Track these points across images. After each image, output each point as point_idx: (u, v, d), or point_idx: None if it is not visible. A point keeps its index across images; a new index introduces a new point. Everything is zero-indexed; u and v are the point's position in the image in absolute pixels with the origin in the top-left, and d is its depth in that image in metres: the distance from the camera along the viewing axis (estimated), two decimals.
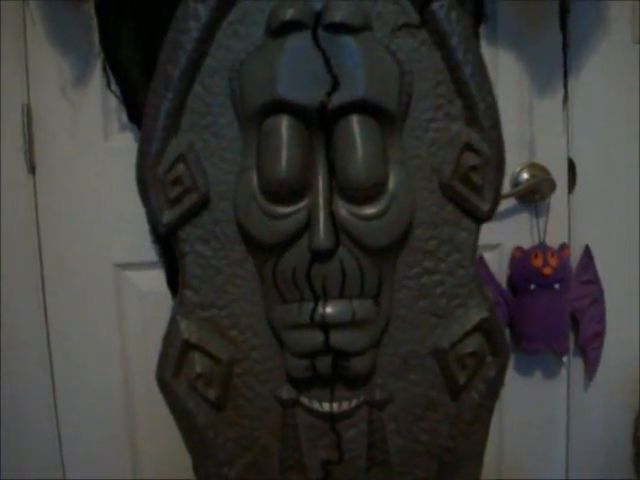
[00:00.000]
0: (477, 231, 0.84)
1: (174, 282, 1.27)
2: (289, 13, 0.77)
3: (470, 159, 0.82)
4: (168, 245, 1.23)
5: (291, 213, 0.79)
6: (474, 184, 0.82)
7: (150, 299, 1.38)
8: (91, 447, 1.41)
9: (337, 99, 0.77)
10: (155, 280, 1.34)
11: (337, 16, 0.76)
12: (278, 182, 0.78)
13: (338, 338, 0.80)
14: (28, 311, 1.37)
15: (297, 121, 0.77)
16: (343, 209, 0.79)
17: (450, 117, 0.81)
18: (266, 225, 0.80)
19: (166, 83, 0.80)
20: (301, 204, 0.79)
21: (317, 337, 0.81)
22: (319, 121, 0.78)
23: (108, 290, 1.39)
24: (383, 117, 0.79)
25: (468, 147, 0.81)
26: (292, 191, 0.79)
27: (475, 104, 0.80)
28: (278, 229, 0.80)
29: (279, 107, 0.78)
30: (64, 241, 1.36)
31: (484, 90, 0.80)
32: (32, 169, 1.34)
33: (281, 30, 0.77)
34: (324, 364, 0.81)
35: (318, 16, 0.78)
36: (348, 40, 0.77)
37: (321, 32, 0.77)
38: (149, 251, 1.33)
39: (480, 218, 0.84)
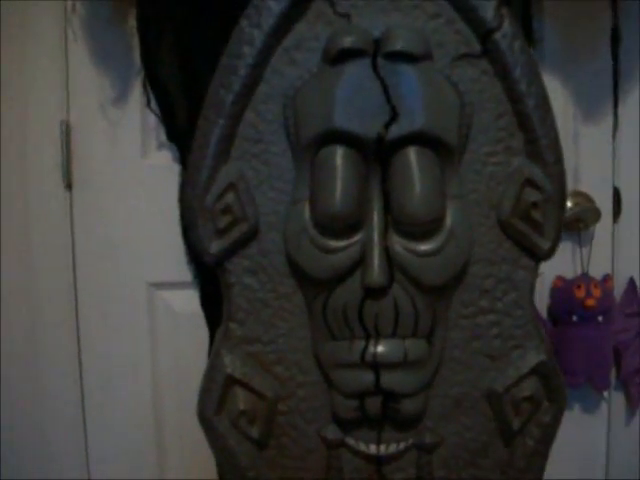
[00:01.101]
0: (536, 270, 0.82)
1: (207, 304, 1.27)
2: (348, 41, 0.75)
3: (531, 195, 0.79)
4: (204, 267, 1.23)
5: (344, 247, 0.77)
6: (534, 221, 0.79)
7: (183, 319, 1.37)
8: (120, 468, 1.40)
9: (395, 131, 0.74)
10: (189, 301, 1.33)
11: (397, 44, 0.74)
12: (332, 215, 0.75)
13: (389, 379, 0.78)
14: (61, 328, 1.36)
15: (353, 152, 0.75)
16: (398, 245, 0.76)
17: (511, 151, 0.79)
18: (317, 259, 0.77)
19: (218, 109, 0.78)
20: (355, 238, 0.77)
21: (367, 377, 0.78)
22: (376, 153, 0.75)
23: (141, 309, 1.38)
24: (442, 150, 0.77)
25: (529, 183, 0.79)
26: (346, 225, 0.76)
27: (537, 138, 0.78)
28: (330, 264, 0.77)
29: (335, 137, 0.75)
30: (98, 258, 1.36)
31: (547, 124, 0.78)
32: (69, 186, 1.34)
33: (339, 58, 0.75)
34: (373, 405, 0.79)
35: (377, 44, 0.76)
36: (408, 69, 0.74)
37: (380, 60, 0.75)
38: (184, 271, 1.32)
39: (540, 256, 0.81)
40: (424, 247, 0.76)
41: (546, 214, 0.79)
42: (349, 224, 0.76)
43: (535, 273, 0.82)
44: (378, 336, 0.78)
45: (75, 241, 1.35)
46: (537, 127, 0.78)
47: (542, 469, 0.83)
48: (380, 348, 0.77)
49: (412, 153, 0.74)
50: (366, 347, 0.78)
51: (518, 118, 0.78)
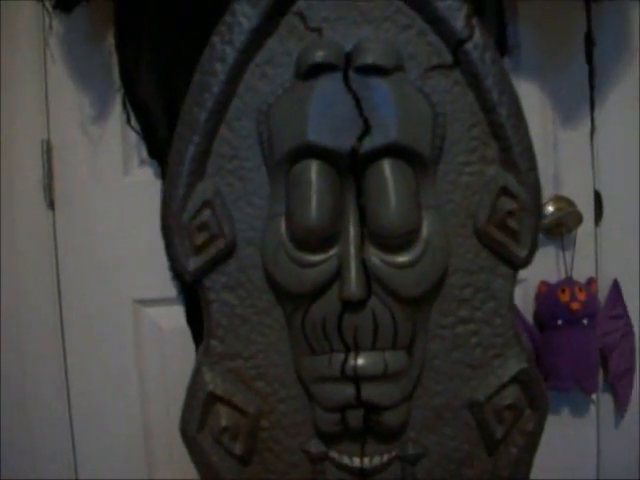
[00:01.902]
0: (514, 278, 0.82)
1: (193, 320, 1.27)
2: (319, 55, 0.75)
3: (506, 204, 0.79)
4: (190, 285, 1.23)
5: (321, 261, 0.77)
6: (511, 230, 0.80)
7: (169, 336, 1.37)
8: None
9: (369, 143, 0.74)
10: (175, 317, 1.33)
11: (368, 58, 0.75)
12: (307, 229, 0.75)
13: (370, 392, 0.78)
14: (46, 346, 1.37)
15: (327, 166, 0.75)
16: (375, 257, 0.76)
17: (485, 160, 0.79)
18: (295, 274, 0.77)
19: (192, 126, 0.78)
20: (331, 252, 0.77)
21: (348, 390, 0.78)
22: (350, 166, 0.75)
23: (127, 326, 1.38)
24: (416, 161, 0.77)
25: (504, 191, 0.79)
26: (322, 238, 0.76)
27: (511, 146, 0.78)
28: (307, 278, 0.77)
29: (309, 152, 0.75)
30: (83, 276, 1.36)
31: (520, 132, 0.78)
32: (51, 204, 1.34)
33: (311, 72, 0.76)
34: (355, 418, 0.78)
35: (348, 58, 0.76)
36: (379, 82, 0.75)
37: (352, 74, 0.75)
38: (169, 287, 1.32)
39: (517, 264, 0.81)
40: (401, 259, 0.76)
41: (522, 222, 0.80)
42: (325, 238, 0.76)
43: (513, 281, 0.82)
44: (357, 349, 0.78)
45: (59, 259, 1.35)
46: (510, 136, 0.78)
47: (527, 477, 0.83)
48: (360, 361, 0.77)
49: (386, 165, 0.75)
50: (346, 360, 0.78)
51: (491, 127, 0.79)
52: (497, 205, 0.79)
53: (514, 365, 0.81)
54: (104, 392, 1.38)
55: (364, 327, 0.77)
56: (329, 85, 0.75)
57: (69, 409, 1.38)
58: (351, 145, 0.74)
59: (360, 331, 0.77)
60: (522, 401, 0.82)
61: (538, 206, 0.80)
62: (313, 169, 0.75)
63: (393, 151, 0.75)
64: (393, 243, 0.76)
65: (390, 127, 0.75)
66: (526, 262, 0.81)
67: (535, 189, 0.80)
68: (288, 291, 0.79)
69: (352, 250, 0.74)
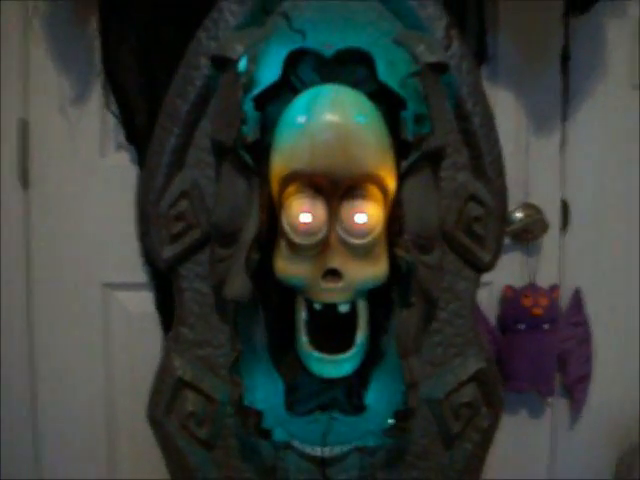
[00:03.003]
0: (477, 281, 0.84)
1: (163, 306, 1.27)
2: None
3: (474, 210, 0.82)
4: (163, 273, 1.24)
5: (225, 257, 0.79)
6: (476, 235, 0.82)
7: (138, 320, 1.37)
8: (72, 470, 1.39)
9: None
10: (144, 301, 1.34)
11: None
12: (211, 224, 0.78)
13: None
14: (14, 327, 1.36)
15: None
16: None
17: (456, 166, 0.82)
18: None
19: (174, 118, 0.79)
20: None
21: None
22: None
23: (96, 309, 1.38)
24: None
25: (472, 198, 0.82)
26: (223, 235, 0.79)
27: (481, 155, 0.81)
28: (215, 271, 0.80)
29: None
30: (54, 258, 1.35)
31: (491, 141, 0.81)
32: (26, 184, 1.33)
33: None
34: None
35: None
36: None
37: None
38: (139, 272, 1.32)
39: (481, 268, 0.84)
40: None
41: (488, 228, 0.82)
42: (225, 234, 0.78)
43: (476, 284, 0.84)
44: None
45: (30, 240, 1.35)
46: (482, 144, 0.81)
47: (480, 471, 0.86)
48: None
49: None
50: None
51: (464, 135, 0.81)
52: (465, 211, 0.82)
53: (473, 364, 0.84)
54: (70, 374, 1.38)
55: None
56: None
57: (34, 390, 1.38)
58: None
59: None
60: (479, 399, 0.84)
61: (504, 213, 0.83)
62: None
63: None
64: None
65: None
66: (490, 266, 0.83)
67: (502, 196, 0.82)
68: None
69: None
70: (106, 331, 1.38)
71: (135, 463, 1.40)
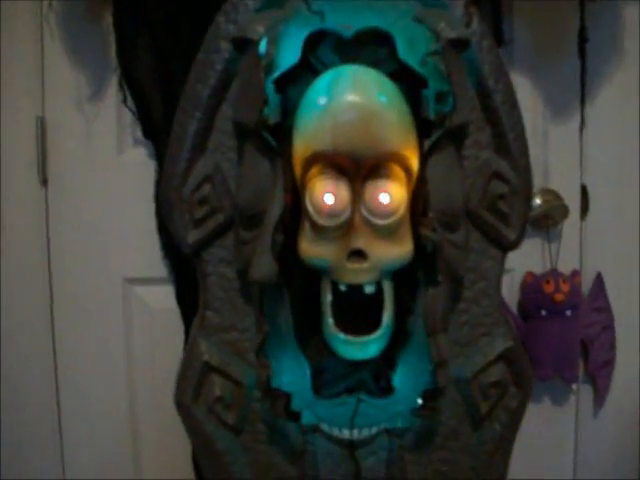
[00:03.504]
0: (503, 260, 0.84)
1: (183, 299, 1.28)
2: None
3: (498, 187, 0.82)
4: (179, 262, 1.24)
5: (250, 239, 0.79)
6: (501, 212, 0.82)
7: (158, 315, 1.39)
8: (94, 462, 1.40)
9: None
10: (164, 296, 1.34)
11: None
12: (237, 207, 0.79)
13: None
14: (35, 324, 1.37)
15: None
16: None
17: (479, 145, 0.81)
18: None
19: (195, 103, 0.80)
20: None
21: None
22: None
23: (117, 305, 1.39)
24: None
25: (496, 175, 0.81)
26: (246, 217, 0.79)
27: (504, 132, 0.80)
28: (240, 255, 0.80)
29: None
30: (74, 254, 1.37)
31: (513, 119, 0.80)
32: (44, 182, 1.35)
33: None
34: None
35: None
36: None
37: None
38: (159, 267, 1.33)
39: (506, 247, 0.83)
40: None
41: (512, 206, 0.82)
42: (249, 216, 0.78)
43: (502, 263, 0.84)
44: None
45: (50, 237, 1.36)
46: (504, 122, 0.80)
47: (509, 452, 0.85)
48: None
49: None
50: None
51: (486, 113, 0.81)
52: (489, 188, 0.82)
53: (500, 344, 0.84)
54: (92, 370, 1.39)
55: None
56: None
57: (57, 387, 1.39)
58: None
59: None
60: (507, 379, 0.84)
61: (529, 191, 0.82)
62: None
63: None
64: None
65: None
66: (515, 245, 0.83)
67: (526, 174, 0.82)
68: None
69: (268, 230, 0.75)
70: (127, 326, 1.39)
71: (158, 456, 1.41)
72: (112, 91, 1.32)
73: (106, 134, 1.35)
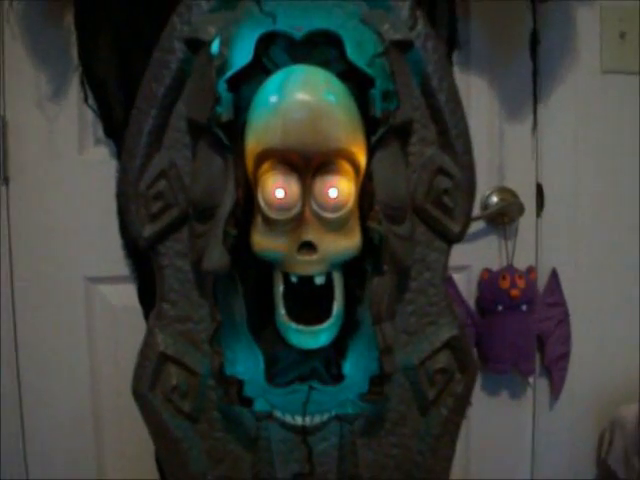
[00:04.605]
0: (448, 251, 0.87)
1: (145, 297, 1.28)
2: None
3: (442, 182, 0.84)
4: (141, 261, 1.25)
5: (202, 233, 0.81)
6: (446, 206, 0.84)
7: (121, 313, 1.40)
8: (58, 460, 1.40)
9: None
10: (126, 294, 1.36)
11: None
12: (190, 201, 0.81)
13: None
14: None
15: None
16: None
17: (424, 141, 0.84)
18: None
19: (150, 101, 0.81)
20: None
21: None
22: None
23: (79, 303, 1.39)
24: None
25: (441, 171, 0.84)
26: (200, 210, 0.81)
27: (448, 129, 0.83)
28: (193, 248, 0.82)
29: None
30: (36, 253, 1.37)
31: (457, 116, 0.83)
32: (5, 180, 1.34)
33: None
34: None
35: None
36: None
37: None
38: (121, 265, 1.33)
39: (451, 239, 0.86)
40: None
41: (456, 200, 0.85)
42: (202, 210, 0.80)
43: (447, 254, 0.87)
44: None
45: (11, 235, 1.36)
46: (448, 119, 0.83)
47: (456, 436, 0.88)
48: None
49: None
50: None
51: (431, 111, 0.83)
52: (434, 183, 0.84)
53: (446, 332, 0.86)
54: (55, 368, 1.39)
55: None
56: None
57: (19, 386, 1.39)
58: None
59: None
60: (453, 365, 0.86)
61: (472, 186, 0.85)
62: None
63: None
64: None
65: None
66: (459, 237, 0.86)
67: (469, 170, 0.85)
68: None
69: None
70: (89, 324, 1.40)
71: (122, 454, 1.41)
72: (73, 90, 1.33)
73: (67, 133, 1.35)
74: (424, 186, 0.84)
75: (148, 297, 1.28)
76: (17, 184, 1.35)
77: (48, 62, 1.33)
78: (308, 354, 0.83)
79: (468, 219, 0.85)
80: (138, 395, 0.84)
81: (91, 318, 1.40)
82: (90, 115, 1.32)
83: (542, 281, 1.52)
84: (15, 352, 1.38)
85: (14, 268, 1.37)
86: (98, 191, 1.31)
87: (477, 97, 1.44)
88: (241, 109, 0.78)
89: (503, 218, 1.49)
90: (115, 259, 1.33)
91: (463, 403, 0.86)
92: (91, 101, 1.29)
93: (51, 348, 1.39)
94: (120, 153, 1.23)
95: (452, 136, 0.83)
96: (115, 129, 1.29)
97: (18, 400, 1.39)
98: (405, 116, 0.78)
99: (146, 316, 1.28)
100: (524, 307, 1.46)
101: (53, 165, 1.35)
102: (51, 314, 1.38)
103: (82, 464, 1.42)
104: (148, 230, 0.84)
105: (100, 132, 1.32)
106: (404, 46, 0.78)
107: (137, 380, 0.84)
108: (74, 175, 1.36)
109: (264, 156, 0.75)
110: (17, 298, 1.38)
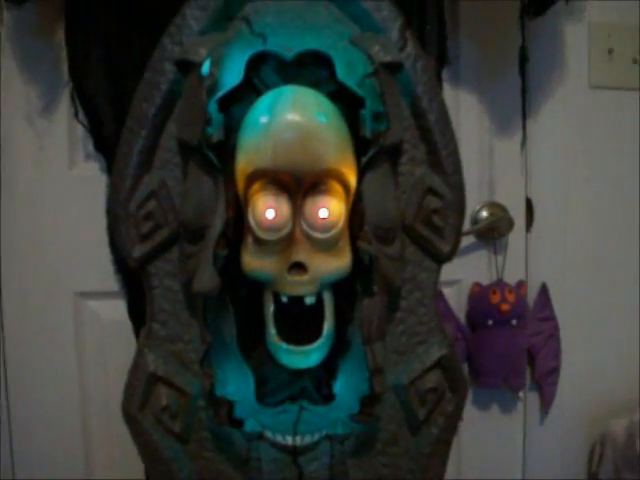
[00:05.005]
0: (438, 271, 0.87)
1: (135, 313, 1.28)
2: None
3: (432, 202, 0.85)
4: (131, 277, 1.24)
5: (193, 253, 0.81)
6: (436, 226, 0.85)
7: (110, 328, 1.39)
8: (46, 476, 1.39)
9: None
10: (116, 310, 1.34)
11: None
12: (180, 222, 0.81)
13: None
14: None
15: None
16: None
17: (414, 161, 0.84)
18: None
19: (140, 121, 0.81)
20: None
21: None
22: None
23: (68, 319, 1.39)
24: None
25: (430, 191, 0.84)
26: (190, 231, 0.81)
27: (438, 150, 0.83)
28: (184, 269, 0.82)
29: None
30: (25, 268, 1.36)
31: (447, 137, 0.83)
32: None
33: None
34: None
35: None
36: None
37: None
38: (110, 280, 1.32)
39: (441, 259, 0.86)
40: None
41: (446, 220, 0.85)
42: (192, 230, 0.80)
43: (437, 274, 0.87)
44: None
45: (1, 250, 1.36)
46: (438, 140, 0.83)
47: (446, 455, 0.88)
48: None
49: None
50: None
51: (420, 131, 0.84)
52: (424, 203, 0.85)
53: (436, 351, 0.86)
54: (44, 384, 1.39)
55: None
56: None
57: (7, 401, 1.38)
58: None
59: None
60: (443, 385, 0.86)
61: (462, 205, 0.86)
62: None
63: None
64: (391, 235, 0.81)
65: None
66: (449, 256, 0.86)
67: (459, 189, 0.85)
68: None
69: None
70: (78, 340, 1.39)
71: (110, 469, 1.40)
72: (64, 105, 1.33)
73: (58, 148, 1.35)
74: (414, 206, 0.84)
75: (138, 312, 1.27)
76: (7, 198, 1.35)
77: (38, 77, 1.33)
78: (298, 374, 0.83)
79: (458, 239, 0.86)
80: (128, 415, 0.84)
81: (80, 333, 1.40)
82: (80, 130, 1.32)
83: (532, 296, 1.53)
84: (4, 366, 1.38)
85: (3, 282, 1.36)
86: (88, 206, 1.31)
87: (467, 112, 1.45)
88: (231, 129, 0.78)
89: (493, 233, 1.49)
90: (105, 274, 1.31)
91: (454, 422, 0.87)
92: (81, 116, 1.28)
93: (40, 363, 1.38)
94: (110, 168, 1.24)
95: (442, 156, 0.83)
96: (105, 144, 1.29)
97: (7, 414, 1.38)
98: (395, 137, 0.78)
99: (136, 331, 1.28)
100: (514, 321, 1.47)
101: (43, 180, 1.35)
102: (40, 329, 1.38)
103: (71, 474, 1.41)
104: (138, 250, 0.84)
105: (90, 147, 1.32)
106: (394, 67, 0.78)
107: (127, 400, 0.84)
108: (64, 190, 1.36)
109: (255, 176, 0.75)
110: (6, 313, 1.37)
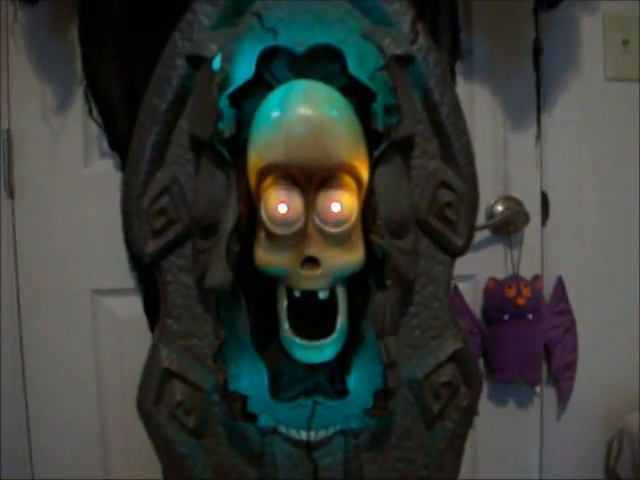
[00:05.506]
0: (452, 265, 0.87)
1: (150, 309, 1.28)
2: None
3: (445, 196, 0.84)
4: (146, 273, 1.25)
5: (206, 249, 0.81)
6: (449, 220, 0.84)
7: (126, 325, 1.39)
8: (63, 473, 1.40)
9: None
10: (131, 307, 1.35)
11: None
12: (192, 218, 0.81)
13: None
14: (3, 335, 1.37)
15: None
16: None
17: (427, 155, 0.84)
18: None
19: (152, 117, 0.82)
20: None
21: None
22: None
23: (85, 316, 1.39)
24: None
25: (444, 184, 0.84)
26: (202, 227, 0.81)
27: (451, 143, 0.83)
28: (197, 264, 0.82)
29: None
30: (42, 266, 1.37)
31: (459, 129, 0.83)
32: (11, 194, 1.35)
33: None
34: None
35: None
36: None
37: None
38: (126, 278, 1.33)
39: (454, 252, 0.86)
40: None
41: (459, 213, 0.85)
42: (205, 226, 0.80)
43: (451, 268, 0.87)
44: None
45: (18, 249, 1.36)
46: (450, 133, 0.83)
47: (461, 450, 0.87)
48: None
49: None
50: None
51: (433, 125, 0.84)
52: (437, 197, 0.84)
53: (451, 345, 0.86)
54: (61, 381, 1.39)
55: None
56: None
57: (25, 399, 1.39)
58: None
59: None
60: (457, 379, 0.86)
61: (475, 199, 0.85)
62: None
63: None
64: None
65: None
66: (463, 250, 0.86)
67: (472, 182, 0.84)
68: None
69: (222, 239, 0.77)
70: (95, 337, 1.39)
71: (127, 466, 1.41)
72: (78, 103, 1.33)
73: (72, 146, 1.35)
74: (427, 200, 0.84)
75: (153, 309, 1.28)
76: (22, 197, 1.36)
77: (52, 75, 1.33)
78: (312, 369, 0.83)
79: (471, 232, 0.85)
80: (143, 411, 0.84)
81: (97, 330, 1.40)
82: (95, 128, 1.32)
83: (548, 290, 1.51)
84: (22, 364, 1.38)
85: (20, 281, 1.37)
86: (103, 204, 1.30)
87: (481, 106, 1.44)
88: (243, 124, 0.78)
89: (508, 227, 1.48)
90: (120, 271, 1.32)
91: (468, 416, 0.86)
92: (95, 114, 1.28)
93: (57, 360, 1.39)
94: (125, 166, 1.24)
95: (455, 149, 0.83)
96: (119, 142, 1.29)
97: (25, 411, 1.39)
98: (407, 130, 0.78)
99: (151, 327, 1.28)
100: (530, 316, 1.45)
101: (58, 178, 1.35)
102: (57, 327, 1.38)
103: (88, 474, 1.41)
104: (151, 246, 0.84)
105: (105, 145, 1.33)
106: (406, 60, 0.78)
107: (142, 396, 0.84)
108: (79, 188, 1.36)
109: (267, 171, 0.75)
110: (23, 311, 1.38)
